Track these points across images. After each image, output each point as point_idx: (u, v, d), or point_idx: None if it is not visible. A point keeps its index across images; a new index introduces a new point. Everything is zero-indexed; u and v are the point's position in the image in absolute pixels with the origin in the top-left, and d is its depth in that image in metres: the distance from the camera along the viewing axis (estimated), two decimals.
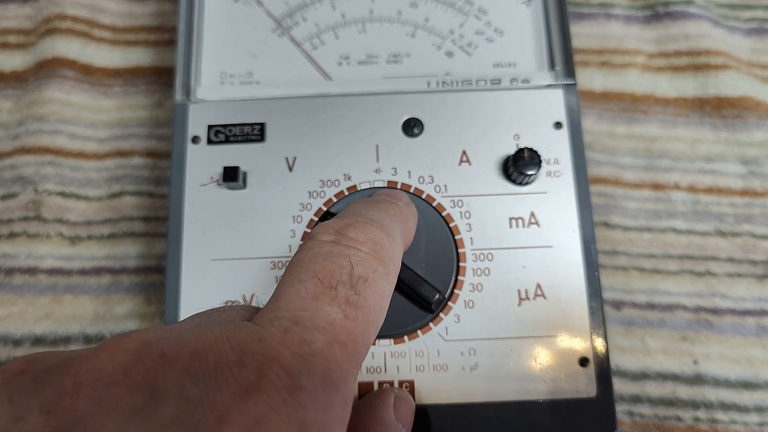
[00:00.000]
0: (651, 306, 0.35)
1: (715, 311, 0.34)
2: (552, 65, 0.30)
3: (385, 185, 0.28)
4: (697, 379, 0.33)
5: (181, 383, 0.16)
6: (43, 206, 0.36)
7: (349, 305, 0.19)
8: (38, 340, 0.34)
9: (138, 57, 0.40)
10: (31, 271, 0.35)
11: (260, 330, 0.17)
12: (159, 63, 0.40)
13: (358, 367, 0.19)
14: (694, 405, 0.33)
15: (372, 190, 0.28)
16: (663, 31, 0.39)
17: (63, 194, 0.37)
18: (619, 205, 0.36)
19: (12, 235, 0.36)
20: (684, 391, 0.33)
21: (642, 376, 0.33)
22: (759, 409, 0.33)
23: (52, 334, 0.34)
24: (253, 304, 0.27)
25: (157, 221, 0.36)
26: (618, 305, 0.34)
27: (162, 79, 0.39)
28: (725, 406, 0.33)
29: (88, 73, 0.39)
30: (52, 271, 0.35)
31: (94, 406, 0.15)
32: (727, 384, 0.33)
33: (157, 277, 0.35)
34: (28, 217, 0.36)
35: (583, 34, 0.39)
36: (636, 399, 0.33)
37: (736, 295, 0.35)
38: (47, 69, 0.39)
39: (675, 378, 0.33)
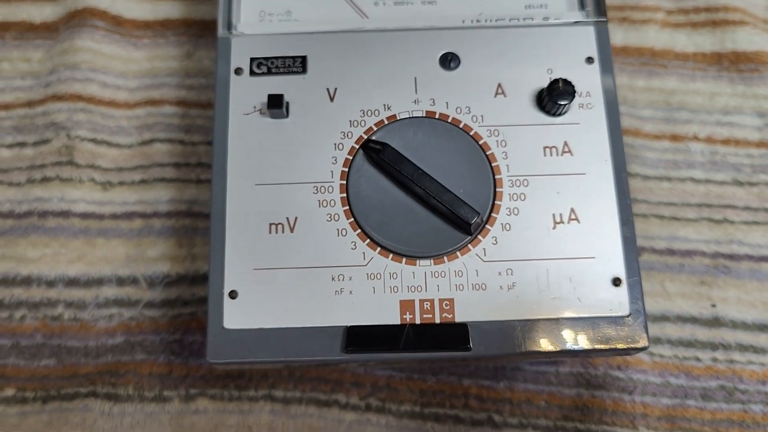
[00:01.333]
0: (670, 251, 0.36)
1: (732, 257, 0.35)
2: (582, 5, 0.31)
3: (424, 115, 0.29)
4: (715, 322, 0.34)
5: None
6: (76, 152, 0.37)
7: None
8: (71, 282, 0.35)
9: (167, 10, 0.41)
10: (64, 214, 0.36)
11: None
12: (188, 15, 0.41)
13: None
14: (713, 346, 0.34)
15: (411, 120, 0.29)
16: None
17: (95, 141, 0.37)
18: (639, 155, 0.37)
19: (45, 180, 0.37)
20: (702, 333, 0.34)
21: (662, 318, 0.34)
22: None
23: (84, 275, 0.35)
24: (297, 226, 0.28)
25: (188, 167, 0.37)
26: (638, 251, 0.35)
27: (191, 30, 0.40)
28: (742, 348, 0.34)
29: (118, 24, 0.40)
30: (85, 215, 0.36)
31: None
32: (744, 326, 0.34)
33: (188, 221, 0.36)
34: (61, 162, 0.37)
35: None
36: (656, 340, 0.34)
37: (753, 242, 0.36)
38: (78, 19, 0.39)
39: (694, 320, 0.34)
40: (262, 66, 0.29)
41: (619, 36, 0.40)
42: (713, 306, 0.35)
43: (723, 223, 0.36)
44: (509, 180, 0.28)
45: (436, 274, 0.27)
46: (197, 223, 0.36)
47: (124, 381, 0.33)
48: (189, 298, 0.35)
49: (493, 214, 0.28)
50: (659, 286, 0.35)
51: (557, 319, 0.27)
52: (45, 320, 0.34)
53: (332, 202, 0.28)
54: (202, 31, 0.40)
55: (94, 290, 0.35)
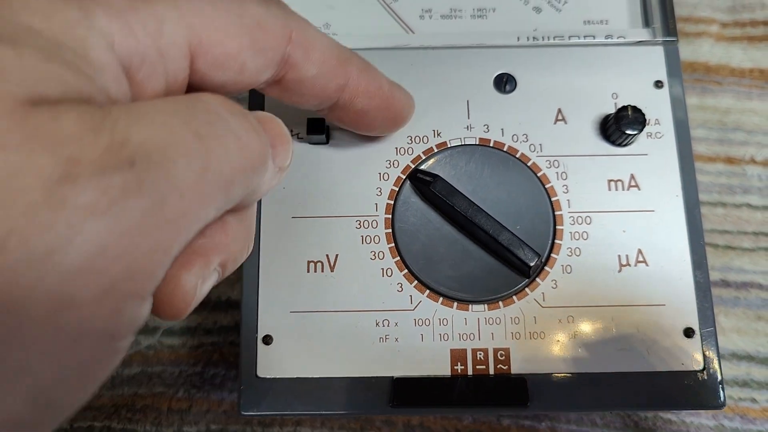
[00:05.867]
0: (725, 283, 0.34)
1: None
2: (647, 22, 0.28)
3: (477, 142, 0.26)
4: None
5: None
6: None
7: None
8: None
9: None
10: None
11: None
12: None
13: None
14: None
15: (463, 148, 0.26)
16: None
17: None
18: None
19: None
20: (759, 372, 0.32)
21: None
22: None
23: None
24: (337, 264, 0.25)
25: None
26: None
27: None
28: None
29: None
30: None
31: None
32: None
33: None
34: None
35: None
36: None
37: None
38: None
39: (750, 358, 0.32)
40: None
41: None
42: None
43: None
44: (570, 217, 0.26)
45: (491, 321, 0.25)
46: None
47: (142, 416, 0.31)
48: (210, 326, 0.33)
49: (552, 255, 0.25)
50: None
51: (624, 374, 0.24)
52: None
53: (376, 238, 0.25)
54: None
55: None
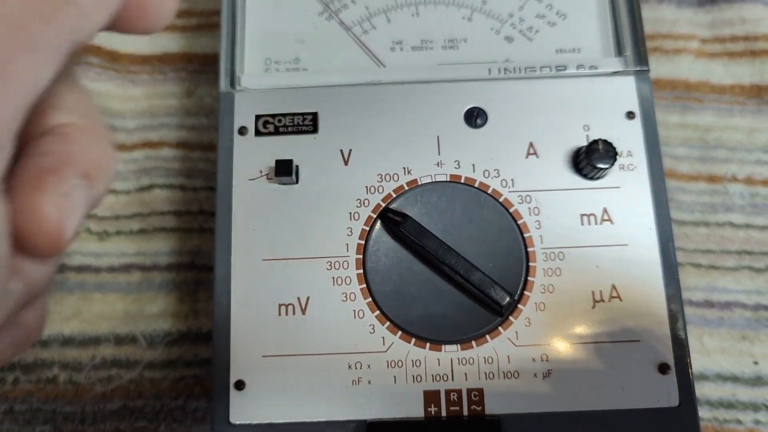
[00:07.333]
0: (709, 304, 0.33)
1: None
2: (619, 51, 0.28)
3: (448, 179, 0.26)
4: (758, 381, 0.32)
5: None
6: None
7: None
8: (67, 341, 0.33)
9: (165, 43, 0.38)
10: (59, 268, 0.34)
11: None
12: (188, 50, 0.38)
13: None
14: (755, 407, 0.32)
15: (433, 185, 0.26)
16: (718, 14, 0.37)
17: None
18: (673, 198, 0.35)
19: None
20: (744, 393, 0.32)
21: (700, 377, 0.32)
22: None
23: (81, 334, 0.33)
24: (309, 307, 0.25)
25: (190, 215, 0.35)
26: None
27: (191, 66, 0.37)
28: None
29: (113, 60, 0.37)
30: (80, 269, 0.34)
31: None
32: None
33: (190, 275, 0.34)
34: None
35: None
36: None
37: None
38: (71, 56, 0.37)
39: (735, 379, 0.32)
40: (269, 125, 0.27)
41: (650, 67, 0.37)
42: (755, 363, 0.32)
43: (765, 272, 0.34)
44: (543, 253, 0.25)
45: (464, 361, 0.24)
46: (200, 276, 0.34)
47: None
48: (191, 358, 0.33)
49: (525, 292, 0.25)
50: (697, 341, 0.33)
51: (599, 412, 0.24)
52: (39, 383, 0.32)
53: (348, 279, 0.25)
54: (202, 67, 0.37)
55: (91, 350, 0.33)
